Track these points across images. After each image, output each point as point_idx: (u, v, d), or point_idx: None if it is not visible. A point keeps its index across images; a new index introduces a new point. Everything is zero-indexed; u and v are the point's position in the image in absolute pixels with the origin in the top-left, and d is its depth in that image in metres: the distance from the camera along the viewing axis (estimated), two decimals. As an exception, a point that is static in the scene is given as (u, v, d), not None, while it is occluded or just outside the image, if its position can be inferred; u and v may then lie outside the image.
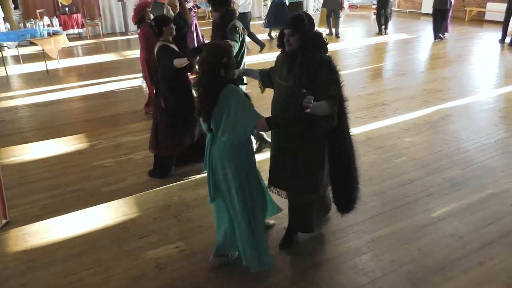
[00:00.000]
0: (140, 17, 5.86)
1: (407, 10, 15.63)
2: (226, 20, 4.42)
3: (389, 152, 4.86)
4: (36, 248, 3.44)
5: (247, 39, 10.00)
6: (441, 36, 10.85)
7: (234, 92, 2.67)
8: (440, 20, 10.62)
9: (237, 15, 9.70)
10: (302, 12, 2.91)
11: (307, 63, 2.75)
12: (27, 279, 3.11)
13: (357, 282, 2.98)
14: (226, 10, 4.44)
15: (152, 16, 6.03)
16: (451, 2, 10.59)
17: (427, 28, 12.23)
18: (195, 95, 2.89)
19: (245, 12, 9.97)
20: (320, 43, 2.80)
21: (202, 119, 2.76)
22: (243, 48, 4.54)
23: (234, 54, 4.25)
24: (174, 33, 4.36)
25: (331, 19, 11.95)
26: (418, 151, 4.87)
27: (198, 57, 2.81)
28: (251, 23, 10.53)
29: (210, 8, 4.71)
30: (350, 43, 11.08)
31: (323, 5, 12.29)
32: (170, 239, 3.48)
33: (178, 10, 6.15)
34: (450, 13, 11.02)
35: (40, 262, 3.28)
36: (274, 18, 11.22)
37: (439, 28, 10.70)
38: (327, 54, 2.84)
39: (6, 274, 3.16)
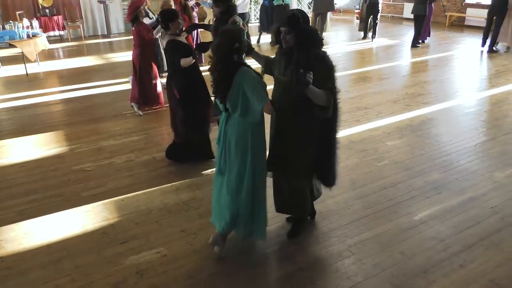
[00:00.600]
0: (134, 16, 5.88)
1: (389, 15, 15.82)
2: (227, 15, 4.58)
3: (371, 156, 4.88)
4: (13, 255, 3.35)
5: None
6: (419, 41, 10.97)
7: (247, 75, 2.86)
8: (417, 25, 10.73)
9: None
10: (297, 10, 3.00)
11: (303, 59, 2.85)
12: (5, 287, 3.02)
13: (340, 286, 2.97)
14: (228, 6, 4.61)
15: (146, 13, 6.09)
16: (430, 8, 10.74)
17: (409, 33, 12.41)
18: (210, 79, 3.06)
19: (243, 13, 9.96)
20: (315, 39, 2.94)
21: (218, 100, 2.99)
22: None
23: None
24: (182, 27, 4.53)
25: (317, 22, 12.04)
26: (400, 154, 4.90)
27: (210, 45, 3.13)
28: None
29: (212, 7, 4.89)
30: (334, 48, 11.14)
31: (313, 9, 12.36)
32: (151, 244, 3.43)
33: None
34: (431, 18, 11.18)
35: (17, 269, 3.19)
36: (266, 21, 11.33)
37: (416, 34, 10.79)
38: (322, 50, 2.96)
39: (-20, 283, 3.07)
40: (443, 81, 7.96)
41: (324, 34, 11.96)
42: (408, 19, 14.57)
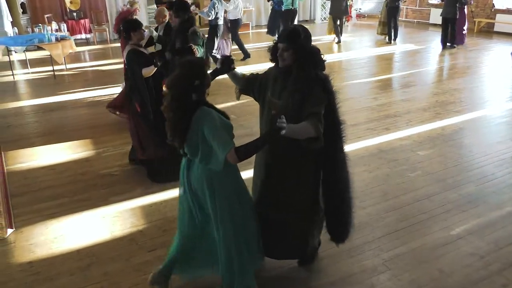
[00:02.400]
0: (124, 29, 5.68)
1: (415, 21, 15.57)
2: (187, 25, 4.77)
3: (402, 166, 4.74)
4: (42, 260, 3.34)
5: (234, 46, 10.02)
6: (453, 45, 10.93)
7: (207, 117, 2.41)
8: (449, 28, 10.67)
9: (228, 21, 9.64)
10: (298, 25, 2.69)
11: (301, 81, 2.54)
12: (33, 293, 3.00)
13: (376, 303, 2.86)
14: (188, 17, 4.81)
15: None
16: (462, 13, 10.60)
17: (436, 39, 12.17)
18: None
19: (235, 19, 9.86)
20: (316, 60, 2.59)
21: (176, 145, 2.56)
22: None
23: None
24: (144, 38, 4.52)
25: (338, 26, 11.94)
26: (432, 165, 4.75)
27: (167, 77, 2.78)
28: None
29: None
30: (358, 53, 11.00)
31: (330, 12, 12.29)
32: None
33: (166, 21, 6.07)
34: (466, 24, 11.06)
35: (46, 275, 3.17)
36: (274, 25, 11.30)
37: (450, 36, 10.76)
38: (323, 72, 2.63)
39: (10, 287, 3.05)
40: (474, 89, 7.75)
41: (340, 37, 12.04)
42: (434, 25, 14.32)
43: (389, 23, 11.96)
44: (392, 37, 11.99)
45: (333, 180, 2.76)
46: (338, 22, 12.04)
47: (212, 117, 2.43)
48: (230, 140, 2.39)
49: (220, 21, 9.19)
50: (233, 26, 9.91)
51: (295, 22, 11.42)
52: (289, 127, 2.29)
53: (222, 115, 2.54)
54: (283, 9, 10.99)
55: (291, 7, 10.92)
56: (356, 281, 3.06)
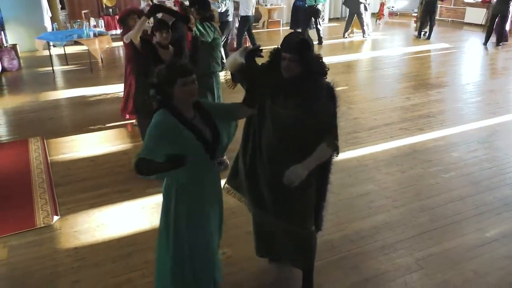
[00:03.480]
0: (123, 17, 5.65)
1: (449, 19, 15.27)
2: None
3: (436, 167, 4.74)
4: (87, 246, 3.52)
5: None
6: (499, 43, 10.91)
7: (156, 116, 2.27)
8: (497, 25, 10.72)
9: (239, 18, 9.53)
10: (301, 33, 2.61)
11: (311, 92, 2.45)
12: (79, 277, 3.17)
13: (409, 300, 2.91)
14: (209, 14, 4.55)
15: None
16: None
17: (470, 38, 11.97)
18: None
19: (246, 15, 9.76)
20: (321, 68, 2.50)
21: None
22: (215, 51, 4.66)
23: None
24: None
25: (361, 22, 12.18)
26: (467, 166, 4.72)
27: None
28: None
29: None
30: (390, 52, 10.90)
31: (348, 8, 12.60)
32: (217, 245, 3.49)
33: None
34: (509, 22, 10.99)
35: (91, 261, 3.35)
36: (297, 19, 11.42)
37: (499, 33, 10.79)
38: (327, 80, 2.55)
39: (58, 271, 3.24)
40: (510, 90, 7.60)
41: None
42: (469, 24, 14.02)
43: (423, 19, 11.94)
44: (426, 35, 11.91)
45: (325, 183, 2.74)
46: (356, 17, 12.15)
47: (154, 121, 2.25)
48: (145, 148, 2.19)
49: (230, 18, 9.09)
50: (242, 22, 9.86)
51: (320, 20, 11.45)
52: (308, 166, 2.37)
53: (163, 122, 2.24)
54: (306, 5, 11.01)
55: (314, 3, 10.91)
56: (389, 279, 3.11)
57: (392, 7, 16.12)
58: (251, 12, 9.88)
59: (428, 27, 12.01)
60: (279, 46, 2.50)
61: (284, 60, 2.43)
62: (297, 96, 2.46)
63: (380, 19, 14.99)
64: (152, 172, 2.20)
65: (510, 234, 3.58)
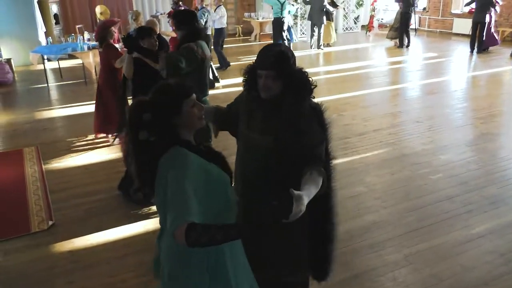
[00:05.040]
0: (101, 36, 5.55)
1: (438, 30, 15.58)
2: (189, 39, 3.87)
3: (425, 169, 4.84)
4: (81, 249, 3.57)
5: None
6: (484, 49, 11.48)
7: (175, 160, 1.69)
8: (479, 32, 11.28)
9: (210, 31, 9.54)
10: (283, 45, 2.19)
11: (295, 114, 2.06)
12: (73, 278, 3.23)
13: (397, 294, 2.98)
14: (192, 30, 3.92)
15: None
16: (490, 17, 11.15)
17: (458, 48, 12.21)
18: None
19: (221, 28, 9.87)
20: (307, 86, 2.10)
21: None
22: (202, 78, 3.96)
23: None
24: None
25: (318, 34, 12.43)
26: (455, 168, 4.83)
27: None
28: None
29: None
30: (379, 62, 11.13)
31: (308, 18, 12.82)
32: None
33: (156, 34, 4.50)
34: (492, 28, 11.50)
35: (85, 263, 3.40)
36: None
37: (479, 41, 11.36)
38: (314, 100, 2.18)
39: (54, 273, 3.29)
40: (496, 96, 7.78)
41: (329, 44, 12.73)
42: (457, 34, 14.30)
43: (401, 29, 12.51)
44: (405, 44, 12.49)
45: (321, 225, 2.27)
46: (316, 30, 12.37)
47: (182, 163, 1.68)
48: (190, 211, 1.54)
49: (209, 31, 9.18)
50: (217, 35, 9.96)
51: (291, 31, 11.65)
52: (306, 198, 1.72)
53: (203, 165, 1.73)
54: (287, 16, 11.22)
55: (280, 16, 11.02)
56: (378, 274, 3.18)
57: (382, 19, 16.42)
58: (225, 24, 10.01)
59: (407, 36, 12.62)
60: (253, 63, 2.13)
61: (260, 78, 2.06)
62: (278, 119, 2.08)
63: (370, 31, 15.26)
64: (213, 243, 1.53)
65: (496, 231, 3.67)
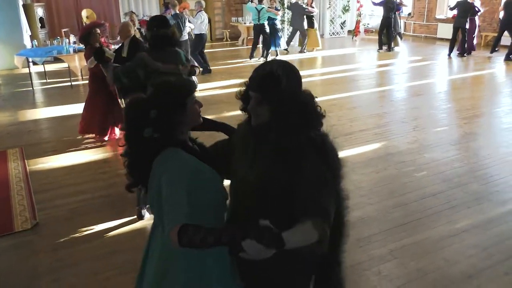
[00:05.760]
0: (83, 36, 5.61)
1: (423, 35, 15.81)
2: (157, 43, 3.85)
3: (409, 167, 4.90)
4: (66, 248, 3.53)
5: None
6: (464, 54, 11.77)
7: (172, 162, 1.69)
8: (461, 36, 11.73)
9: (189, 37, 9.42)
10: (278, 62, 1.76)
11: (284, 148, 1.67)
12: (58, 276, 3.19)
13: (382, 288, 3.01)
14: (160, 34, 3.89)
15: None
16: (473, 22, 11.49)
17: (442, 52, 12.41)
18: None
19: (200, 34, 9.76)
20: (308, 115, 1.71)
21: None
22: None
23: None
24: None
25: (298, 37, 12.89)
26: (439, 166, 4.90)
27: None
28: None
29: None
30: (365, 65, 11.26)
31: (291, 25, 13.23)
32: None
33: (131, 35, 4.90)
34: (476, 34, 11.88)
35: (70, 261, 3.36)
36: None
37: (460, 45, 11.77)
38: (320, 132, 1.75)
39: (38, 272, 3.25)
40: (479, 98, 7.92)
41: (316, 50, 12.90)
42: (442, 39, 14.53)
43: (380, 33, 13.01)
44: (385, 47, 12.95)
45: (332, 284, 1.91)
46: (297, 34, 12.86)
47: (178, 164, 1.68)
48: (183, 213, 1.55)
49: (186, 36, 9.16)
50: (196, 41, 9.82)
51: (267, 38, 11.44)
52: (284, 237, 1.45)
53: (199, 165, 1.73)
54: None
55: (257, 22, 11.18)
56: (364, 268, 3.21)
57: (368, 24, 16.61)
58: (204, 30, 9.84)
59: (393, 39, 12.97)
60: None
61: (251, 101, 1.76)
62: (264, 151, 1.73)
63: (356, 35, 15.43)
64: (203, 246, 1.49)
65: (479, 225, 3.72)
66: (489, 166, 4.89)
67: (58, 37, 9.86)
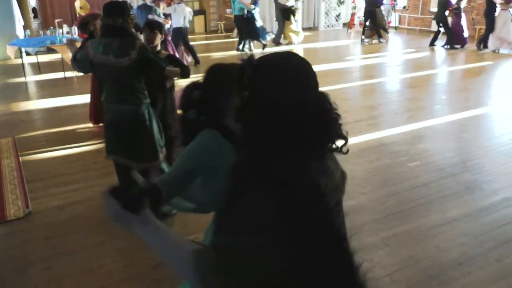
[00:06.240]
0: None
1: (417, 28, 15.81)
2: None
3: (403, 157, 4.92)
4: (59, 237, 3.52)
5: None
6: (451, 47, 12.05)
7: (197, 138, 1.66)
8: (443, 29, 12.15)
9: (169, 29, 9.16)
10: (250, 56, 1.23)
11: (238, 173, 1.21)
12: (50, 265, 3.18)
13: (374, 275, 3.01)
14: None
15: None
16: (457, 16, 11.87)
17: (437, 45, 12.42)
18: None
19: (178, 27, 9.32)
20: (295, 132, 1.17)
21: None
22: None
23: None
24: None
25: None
26: (431, 156, 4.92)
27: None
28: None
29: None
30: (359, 57, 11.29)
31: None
32: (189, 230, 3.54)
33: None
34: (464, 28, 12.01)
35: (62, 250, 3.35)
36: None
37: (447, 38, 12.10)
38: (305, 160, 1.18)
39: (30, 260, 3.24)
40: (471, 90, 7.94)
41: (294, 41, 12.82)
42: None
43: (364, 26, 13.13)
44: (368, 39, 13.10)
45: None
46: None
47: (199, 141, 1.65)
48: (164, 178, 1.61)
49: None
50: (175, 35, 9.26)
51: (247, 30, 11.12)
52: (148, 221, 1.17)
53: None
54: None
55: (235, 13, 11.04)
56: (356, 256, 3.21)
57: (363, 16, 16.57)
58: (182, 23, 9.37)
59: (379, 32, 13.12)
60: None
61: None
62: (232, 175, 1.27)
63: (351, 28, 15.41)
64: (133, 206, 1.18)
65: (470, 214, 3.75)
66: (481, 156, 4.92)
67: (51, 27, 9.76)
